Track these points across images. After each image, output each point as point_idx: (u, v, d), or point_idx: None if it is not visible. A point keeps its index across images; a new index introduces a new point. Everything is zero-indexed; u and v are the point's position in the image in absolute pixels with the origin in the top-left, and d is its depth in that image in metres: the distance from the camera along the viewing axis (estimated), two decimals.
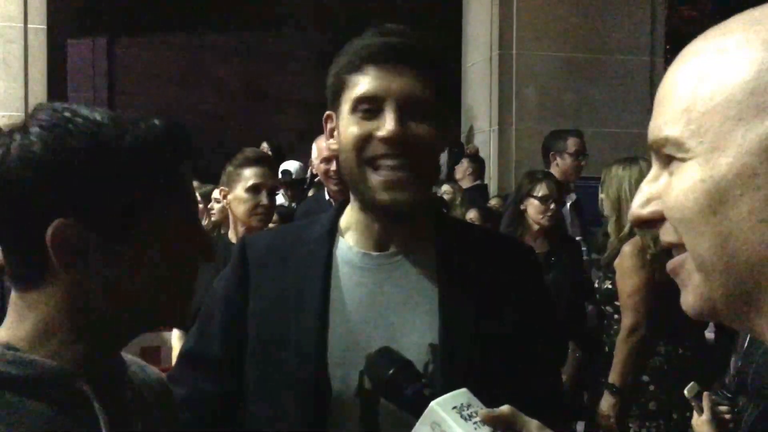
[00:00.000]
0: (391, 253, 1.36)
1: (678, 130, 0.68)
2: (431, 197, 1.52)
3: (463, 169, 6.65)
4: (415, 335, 1.31)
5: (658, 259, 3.08)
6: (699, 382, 2.44)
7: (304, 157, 6.20)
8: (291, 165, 7.05)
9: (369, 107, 1.29)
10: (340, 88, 1.33)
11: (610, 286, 3.35)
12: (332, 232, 1.40)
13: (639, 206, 0.73)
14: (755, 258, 0.65)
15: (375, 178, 1.29)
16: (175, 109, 9.94)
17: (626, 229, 3.28)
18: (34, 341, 0.91)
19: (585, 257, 4.26)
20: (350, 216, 1.40)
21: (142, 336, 1.03)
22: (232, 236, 3.19)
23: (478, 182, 6.64)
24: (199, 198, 4.50)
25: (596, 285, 3.52)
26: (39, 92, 6.46)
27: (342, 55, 1.34)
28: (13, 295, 0.93)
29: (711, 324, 3.45)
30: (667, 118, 0.69)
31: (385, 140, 1.27)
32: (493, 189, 6.90)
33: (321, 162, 3.61)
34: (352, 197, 1.39)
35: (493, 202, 5.90)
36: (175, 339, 3.29)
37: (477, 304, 1.32)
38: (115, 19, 10.72)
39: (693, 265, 0.69)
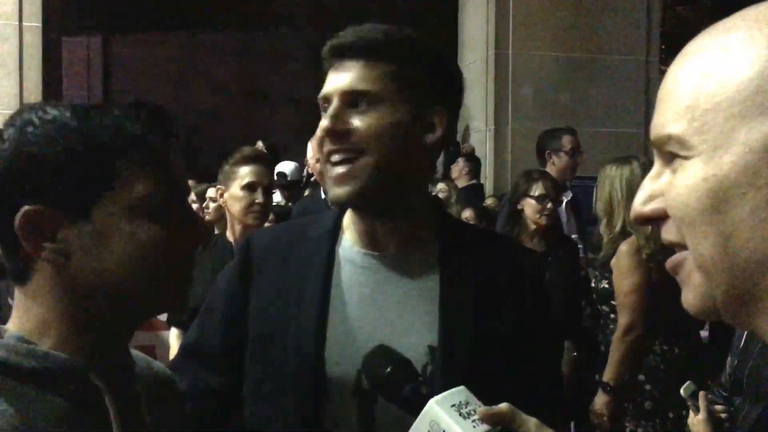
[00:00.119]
0: (391, 253, 1.36)
1: (681, 127, 0.68)
2: (427, 194, 1.51)
3: (459, 168, 6.65)
4: (414, 336, 1.30)
5: (654, 259, 3.08)
6: (695, 382, 2.44)
7: (301, 156, 6.19)
8: (286, 166, 7.03)
9: (326, 105, 1.33)
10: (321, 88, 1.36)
11: (606, 286, 3.34)
12: (335, 230, 1.40)
13: (641, 203, 0.73)
14: (756, 257, 0.64)
15: (328, 175, 1.31)
16: (171, 107, 9.89)
17: (617, 228, 3.27)
18: (41, 333, 0.93)
19: (581, 255, 4.25)
20: (348, 215, 1.40)
21: (137, 335, 1.05)
22: (229, 236, 3.18)
23: (473, 182, 6.64)
24: (193, 197, 4.52)
25: (593, 284, 3.52)
26: (34, 90, 6.44)
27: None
28: (16, 291, 0.95)
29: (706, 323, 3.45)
30: (670, 116, 0.69)
31: (324, 137, 1.29)
32: (488, 188, 6.90)
33: (316, 161, 3.61)
34: None
35: (488, 201, 5.90)
36: (173, 338, 3.29)
37: (477, 306, 1.32)
38: (110, 17, 10.68)
39: (694, 264, 0.69)
